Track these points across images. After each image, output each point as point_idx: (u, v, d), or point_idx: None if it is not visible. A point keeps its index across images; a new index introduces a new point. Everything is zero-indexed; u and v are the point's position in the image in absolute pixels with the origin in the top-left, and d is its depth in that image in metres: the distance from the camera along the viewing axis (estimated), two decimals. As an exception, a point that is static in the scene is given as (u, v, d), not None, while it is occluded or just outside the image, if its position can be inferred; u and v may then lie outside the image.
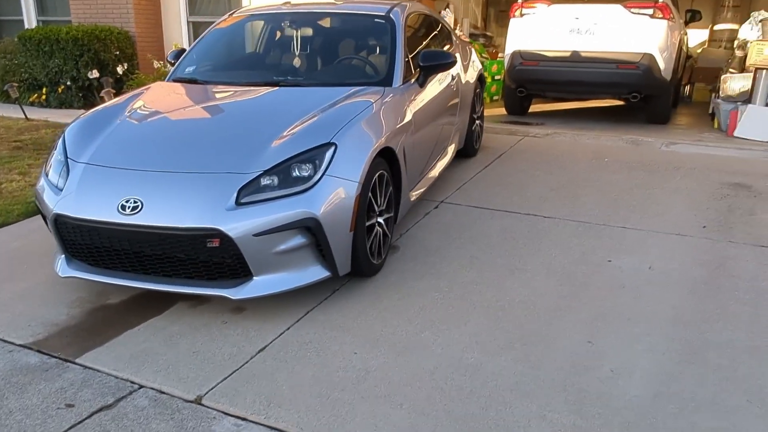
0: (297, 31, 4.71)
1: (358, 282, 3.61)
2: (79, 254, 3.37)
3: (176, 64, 4.71)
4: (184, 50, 4.96)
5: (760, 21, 8.30)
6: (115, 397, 2.67)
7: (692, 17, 9.52)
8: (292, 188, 3.14)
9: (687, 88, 11.21)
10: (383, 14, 4.62)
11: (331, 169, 3.21)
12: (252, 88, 4.17)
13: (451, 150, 5.33)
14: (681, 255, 3.97)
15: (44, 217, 3.59)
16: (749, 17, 8.63)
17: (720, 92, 8.14)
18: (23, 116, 8.46)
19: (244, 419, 2.53)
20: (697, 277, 3.69)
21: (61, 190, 3.33)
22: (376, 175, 3.50)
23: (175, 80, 4.55)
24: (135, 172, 3.27)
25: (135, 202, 3.10)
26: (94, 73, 9.35)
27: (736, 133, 7.39)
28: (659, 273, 3.72)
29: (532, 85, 8.24)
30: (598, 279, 3.67)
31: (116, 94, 8.97)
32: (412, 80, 4.33)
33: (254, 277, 3.15)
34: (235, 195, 3.08)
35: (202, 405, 2.62)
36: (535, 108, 9.35)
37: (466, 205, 4.88)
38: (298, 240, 3.15)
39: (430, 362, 2.88)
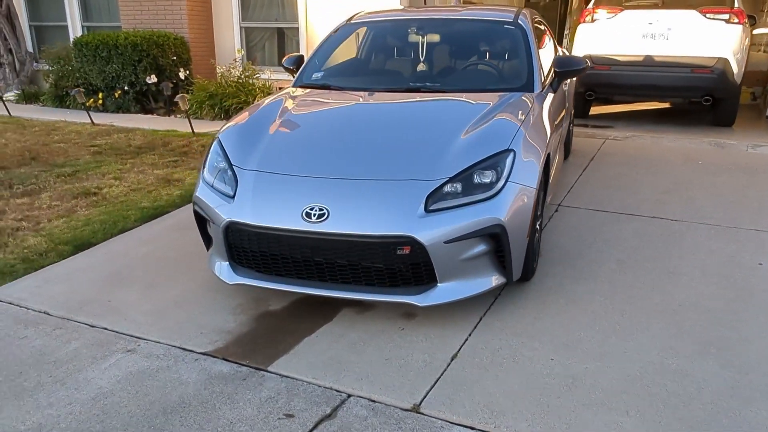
0: (423, 37, 4.65)
1: (517, 287, 3.56)
2: (248, 261, 3.31)
3: (300, 71, 4.66)
4: (301, 56, 4.92)
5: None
6: (330, 406, 2.61)
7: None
8: (477, 195, 3.09)
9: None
10: (511, 20, 4.58)
11: (513, 176, 3.16)
12: (393, 94, 4.13)
13: (561, 153, 5.30)
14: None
15: (202, 225, 3.54)
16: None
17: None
18: (89, 121, 8.41)
19: (471, 428, 2.47)
20: None
21: (232, 197, 3.27)
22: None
23: (303, 86, 4.49)
24: (314, 179, 3.21)
25: (320, 209, 3.04)
26: (153, 78, 9.31)
27: (815, 135, 7.36)
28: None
29: (603, 89, 8.22)
30: (759, 282, 3.62)
31: (172, 98, 8.95)
32: (548, 86, 4.28)
33: (438, 284, 3.09)
34: (423, 202, 3.03)
35: (422, 414, 2.56)
36: (593, 111, 9.32)
37: (585, 208, 4.83)
38: (480, 247, 3.10)
39: (633, 368, 2.83)
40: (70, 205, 5.06)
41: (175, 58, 9.70)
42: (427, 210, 3.02)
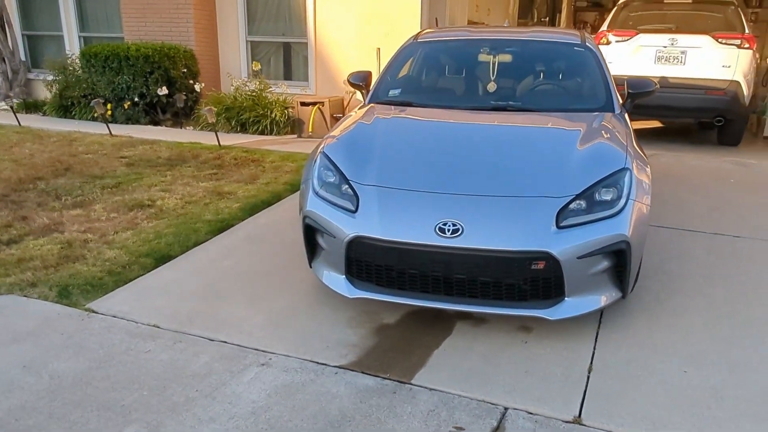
0: (495, 57, 4.73)
1: (618, 302, 3.64)
2: (368, 275, 3.32)
3: (374, 88, 4.66)
4: (369, 73, 4.95)
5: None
6: (493, 419, 2.63)
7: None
8: (601, 212, 3.16)
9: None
10: (579, 42, 4.72)
11: (632, 194, 3.26)
12: (481, 112, 4.20)
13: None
14: None
15: (310, 237, 3.53)
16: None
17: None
18: (106, 132, 8.24)
19: (638, 439, 2.54)
20: None
21: (354, 212, 3.28)
22: None
23: (380, 103, 4.50)
24: (444, 195, 3.24)
25: (454, 225, 3.08)
26: (164, 90, 9.21)
27: (823, 156, 7.73)
28: None
29: (619, 109, 8.47)
30: (842, 296, 3.80)
31: (183, 111, 8.86)
32: (622, 106, 4.42)
33: (566, 299, 3.16)
34: (554, 219, 3.10)
35: (585, 425, 2.61)
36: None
37: (646, 224, 4.97)
38: (604, 263, 3.18)
39: (763, 381, 2.94)
40: (128, 217, 4.97)
41: (185, 70, 9.61)
42: (558, 226, 3.08)
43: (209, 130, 8.91)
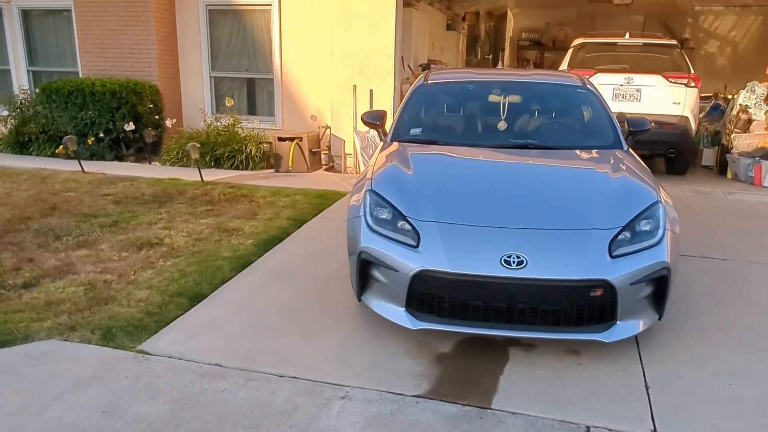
0: (505, 98, 5.02)
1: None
2: (429, 306, 3.45)
3: (395, 127, 4.79)
4: (384, 112, 5.12)
5: (760, 92, 9.60)
6: (582, 437, 2.82)
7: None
8: (646, 242, 3.43)
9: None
10: (581, 84, 5.09)
11: (666, 224, 3.56)
12: (504, 150, 4.45)
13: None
14: None
15: (364, 272, 3.64)
16: (746, 87, 9.94)
17: (733, 149, 9.32)
18: (76, 169, 8.02)
19: (715, 448, 2.78)
20: None
21: (416, 247, 3.42)
22: None
23: (401, 141, 4.64)
24: (504, 229, 3.43)
25: (518, 257, 3.27)
26: (131, 125, 9.06)
27: (765, 184, 8.47)
28: None
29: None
30: (834, 311, 4.24)
31: (153, 145, 8.76)
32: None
33: (617, 322, 3.40)
34: (607, 248, 3.35)
35: (663, 439, 2.84)
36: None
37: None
38: (648, 288, 3.46)
39: (800, 388, 3.26)
40: (141, 256, 4.90)
41: (151, 105, 9.50)
42: (611, 256, 3.34)
43: (180, 166, 8.84)
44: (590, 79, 8.64)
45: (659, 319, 3.60)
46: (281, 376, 3.27)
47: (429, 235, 3.44)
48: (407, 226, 3.53)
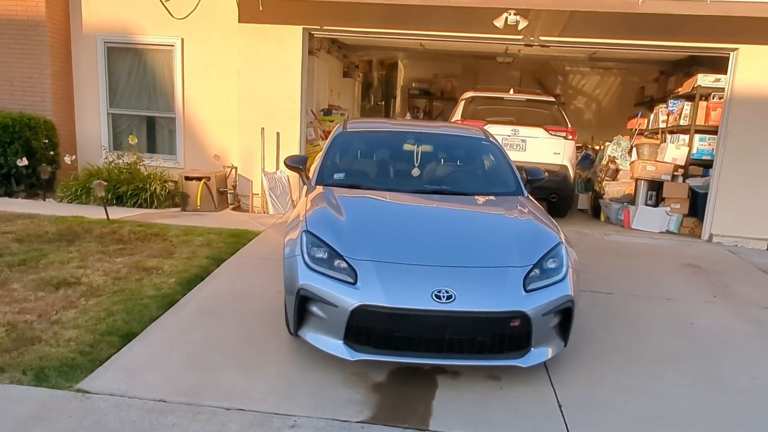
0: (418, 147, 5.47)
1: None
2: (366, 338, 3.73)
3: (318, 171, 5.06)
4: (305, 156, 5.42)
5: (625, 145, 10.80)
6: (511, 450, 3.19)
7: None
8: (553, 278, 3.92)
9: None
10: (485, 137, 5.68)
11: (568, 262, 4.09)
12: (424, 194, 4.88)
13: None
14: (722, 315, 5.44)
15: (302, 307, 3.86)
16: (613, 140, 11.14)
17: (605, 195, 10.40)
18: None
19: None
20: (750, 328, 5.16)
21: (354, 284, 3.71)
22: None
23: (325, 185, 4.92)
24: (433, 267, 3.79)
25: (447, 292, 3.64)
26: (23, 161, 8.72)
27: (633, 226, 9.50)
28: (730, 330, 5.11)
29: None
30: (702, 334, 4.94)
31: (47, 182, 8.50)
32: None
33: (532, 349, 3.84)
34: (522, 284, 3.80)
35: (578, 448, 3.27)
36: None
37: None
38: (556, 319, 3.94)
39: (681, 401, 3.82)
40: (59, 296, 4.82)
41: (46, 141, 9.19)
42: (526, 290, 3.79)
43: (78, 203, 8.59)
44: (484, 128, 9.45)
45: (564, 346, 4.07)
46: (228, 409, 3.40)
47: (366, 272, 3.74)
48: (344, 265, 3.80)
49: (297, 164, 5.32)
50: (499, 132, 9.43)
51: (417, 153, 5.48)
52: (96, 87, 10.12)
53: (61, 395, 3.43)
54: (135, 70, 10.13)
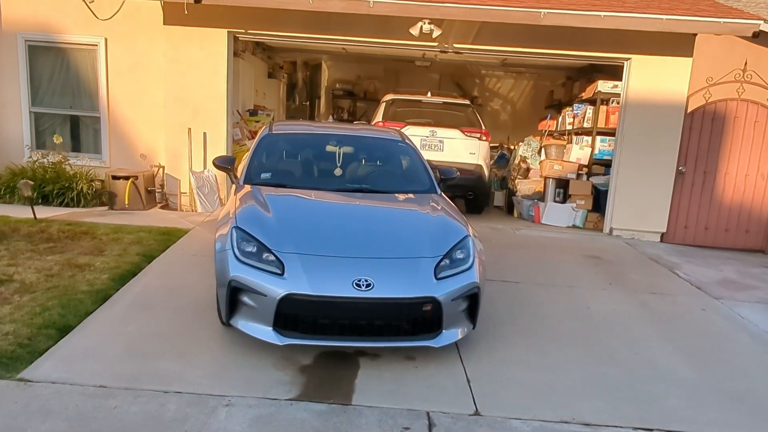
0: (340, 148, 5.87)
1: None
2: (293, 324, 4.09)
3: (246, 171, 5.36)
4: (233, 157, 5.71)
5: (535, 145, 11.54)
6: (425, 419, 3.61)
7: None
8: (460, 267, 4.38)
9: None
10: (401, 139, 6.15)
11: (475, 253, 4.58)
12: (345, 192, 5.28)
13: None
14: (615, 300, 6.11)
15: (233, 298, 4.18)
16: (524, 141, 11.87)
17: (517, 192, 11.10)
18: None
19: (522, 419, 3.71)
20: (637, 311, 5.83)
21: (281, 275, 4.07)
22: None
23: (253, 184, 5.23)
24: (353, 258, 4.18)
25: (366, 280, 4.05)
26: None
27: (543, 221, 10.22)
28: (620, 312, 5.77)
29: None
30: (595, 317, 5.56)
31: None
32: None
33: (443, 331, 4.29)
34: (433, 272, 4.25)
35: (482, 415, 3.72)
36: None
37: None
38: (464, 303, 4.41)
39: (575, 374, 4.38)
40: (-10, 293, 4.94)
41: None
42: (437, 278, 4.24)
43: (3, 203, 8.50)
44: (404, 129, 9.93)
45: (473, 328, 4.56)
46: (166, 392, 3.69)
47: (292, 264, 4.10)
48: (272, 257, 4.15)
49: (225, 164, 5.61)
50: (418, 133, 9.96)
51: (339, 154, 5.87)
52: (17, 86, 9.95)
53: (4, 384, 3.62)
54: (58, 69, 10.02)
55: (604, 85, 9.93)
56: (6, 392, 3.55)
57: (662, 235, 9.45)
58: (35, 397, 3.51)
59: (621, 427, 3.72)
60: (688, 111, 9.16)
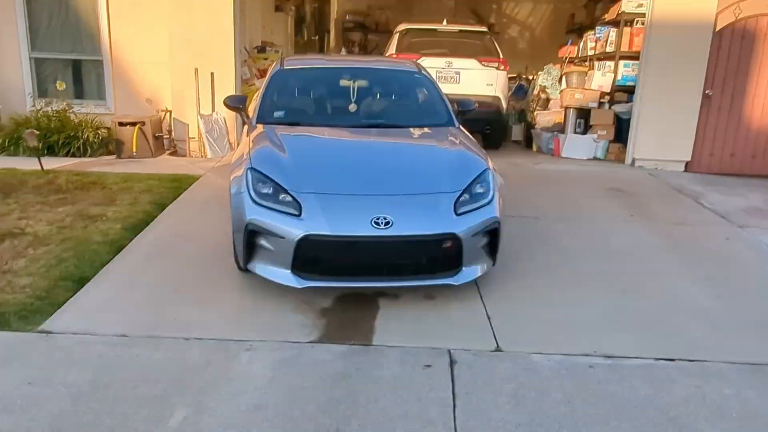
0: (354, 82, 5.67)
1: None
2: (311, 267, 4.03)
3: (259, 110, 5.22)
4: (244, 96, 5.54)
5: (555, 74, 11.18)
6: (447, 357, 3.57)
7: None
8: (481, 201, 4.26)
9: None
10: (417, 70, 5.90)
11: (495, 187, 4.44)
12: (360, 128, 5.12)
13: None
14: (637, 232, 5.99)
15: (251, 241, 4.10)
16: (543, 69, 11.49)
17: (536, 125, 10.83)
18: None
19: (541, 353, 3.67)
20: (660, 243, 5.71)
21: (298, 215, 3.97)
22: None
23: (266, 123, 5.09)
24: (371, 196, 4.08)
25: (385, 218, 3.95)
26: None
27: (563, 154, 10.00)
28: (642, 245, 5.65)
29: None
30: (621, 250, 5.46)
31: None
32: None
33: (463, 268, 4.21)
34: (452, 208, 4.14)
35: (503, 351, 3.67)
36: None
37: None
38: (484, 239, 4.31)
39: (597, 308, 4.31)
40: (6, 246, 4.90)
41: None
42: (456, 214, 4.13)
43: (6, 155, 8.44)
44: (419, 60, 9.63)
45: (493, 264, 4.47)
46: (187, 339, 3.67)
47: (309, 204, 4.00)
48: (288, 198, 4.05)
49: (237, 104, 5.46)
50: (433, 65, 9.63)
51: (353, 88, 5.68)
52: (15, 30, 9.73)
53: (26, 337, 3.63)
54: (56, 11, 9.77)
55: (628, 5, 9.49)
56: (29, 344, 3.55)
57: (686, 164, 9.20)
58: (58, 348, 3.51)
59: (643, 358, 3.66)
60: (717, 30, 8.74)
